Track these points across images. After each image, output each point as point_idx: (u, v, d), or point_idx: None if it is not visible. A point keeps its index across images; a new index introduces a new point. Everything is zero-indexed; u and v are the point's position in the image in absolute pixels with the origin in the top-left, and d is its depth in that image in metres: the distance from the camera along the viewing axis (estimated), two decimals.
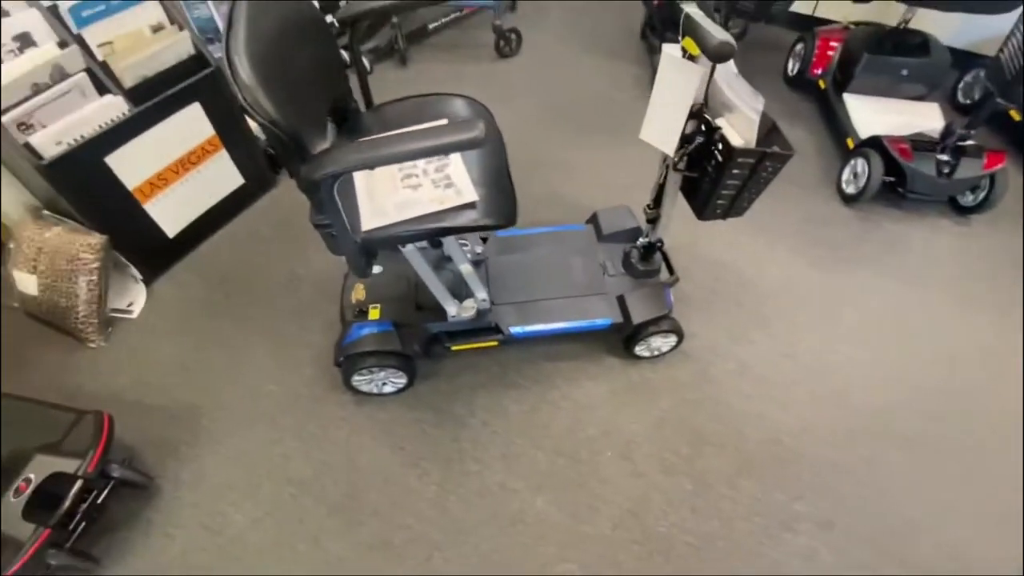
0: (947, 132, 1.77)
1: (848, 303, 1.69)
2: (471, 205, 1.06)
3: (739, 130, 1.10)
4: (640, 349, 1.51)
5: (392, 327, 1.38)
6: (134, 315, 1.68)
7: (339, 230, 0.95)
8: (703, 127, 1.11)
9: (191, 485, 1.35)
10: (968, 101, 2.27)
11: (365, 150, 0.80)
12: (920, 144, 1.84)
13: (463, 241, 1.57)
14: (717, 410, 1.47)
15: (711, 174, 1.18)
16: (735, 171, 1.13)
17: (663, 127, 1.04)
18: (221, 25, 2.02)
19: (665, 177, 1.29)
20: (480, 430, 1.44)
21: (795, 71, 2.46)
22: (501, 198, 1.12)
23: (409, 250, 1.21)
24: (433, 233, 1.04)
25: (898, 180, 1.86)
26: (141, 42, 1.53)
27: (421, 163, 1.14)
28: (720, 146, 1.11)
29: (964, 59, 2.23)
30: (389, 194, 1.09)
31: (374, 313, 1.45)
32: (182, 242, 1.79)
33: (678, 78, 0.96)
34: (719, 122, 1.10)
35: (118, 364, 1.57)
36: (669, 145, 1.07)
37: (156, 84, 1.55)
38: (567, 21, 2.87)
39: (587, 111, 2.34)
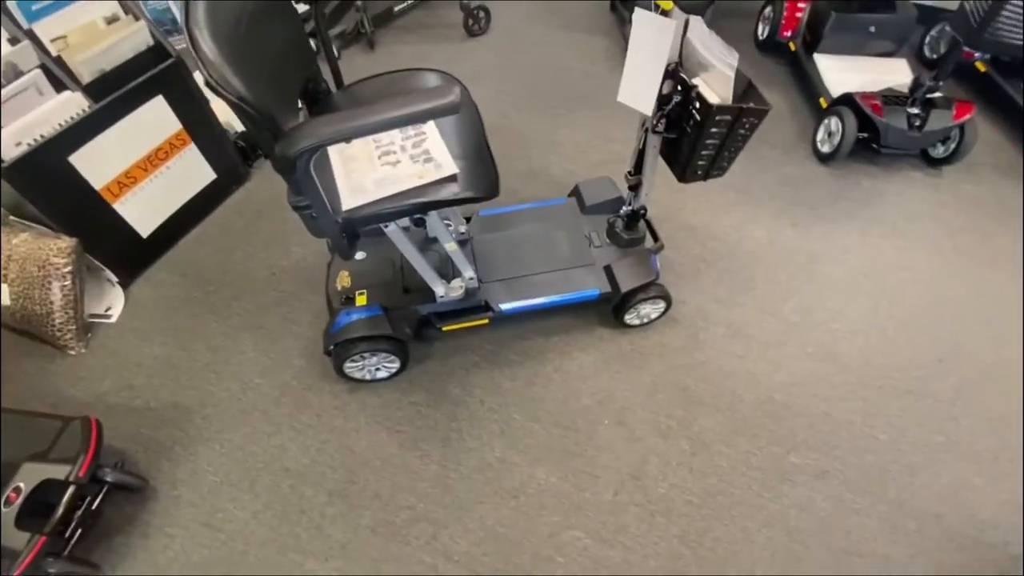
0: (916, 85, 1.80)
1: (830, 260, 1.72)
2: (452, 178, 1.05)
3: (715, 88, 1.10)
4: (630, 317, 1.52)
5: (381, 311, 1.37)
6: (113, 319, 1.64)
7: (319, 210, 0.93)
8: (679, 87, 1.11)
9: (188, 484, 1.33)
10: (935, 55, 2.30)
11: (340, 121, 0.78)
12: (891, 99, 1.86)
13: (446, 220, 1.56)
14: (709, 372, 1.49)
15: (690, 134, 1.18)
16: (714, 129, 1.13)
17: (640, 87, 1.03)
18: (179, 16, 1.97)
19: (645, 142, 1.29)
20: (477, 408, 1.44)
21: (765, 35, 2.46)
22: (481, 170, 1.11)
23: (392, 230, 1.19)
24: (415, 209, 1.03)
25: (871, 136, 1.88)
26: (96, 35, 1.48)
27: (398, 139, 1.12)
28: (698, 105, 1.11)
29: (929, 14, 2.26)
30: (367, 172, 1.07)
31: (361, 299, 1.43)
32: (157, 242, 1.75)
33: (652, 36, 0.95)
34: (695, 81, 1.10)
35: (100, 369, 1.54)
36: (647, 105, 1.06)
37: (116, 78, 1.49)
38: None
39: (562, 86, 2.32)
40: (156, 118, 1.61)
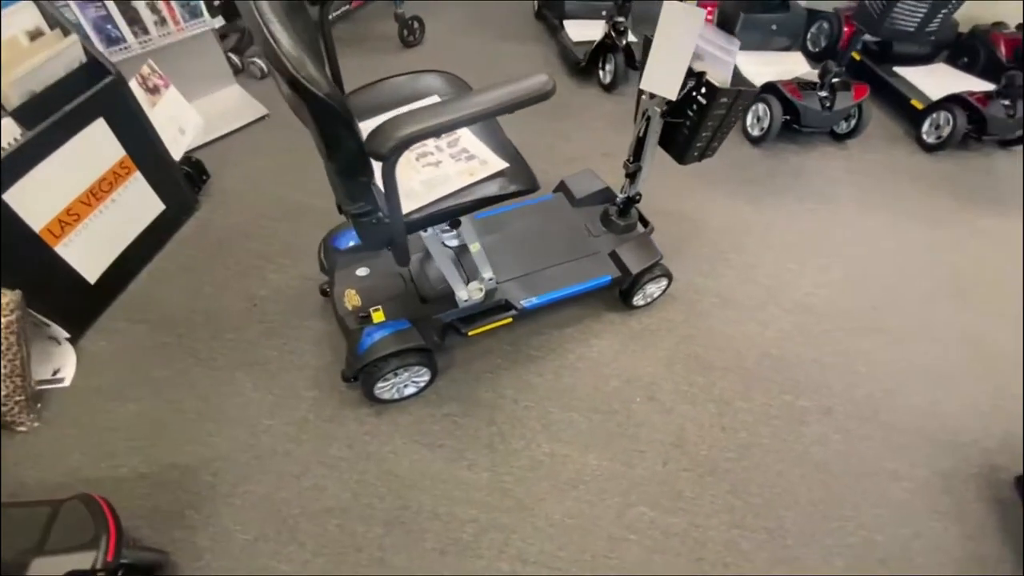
0: (824, 71, 2.10)
1: (782, 228, 1.94)
2: (501, 173, 1.04)
3: (713, 75, 1.21)
4: (637, 298, 1.60)
5: (409, 324, 1.31)
6: (66, 382, 1.39)
7: (393, 213, 0.88)
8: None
9: (214, 550, 1.17)
10: (816, 48, 2.69)
11: (431, 116, 0.76)
12: (804, 85, 2.15)
13: (445, 228, 1.53)
14: (713, 339, 1.61)
15: (693, 118, 1.29)
16: (716, 111, 1.24)
17: (666, 73, 1.11)
18: (124, 29, 1.74)
19: (646, 130, 1.37)
20: (512, 408, 1.42)
21: None
22: (518, 165, 1.12)
23: (430, 235, 1.16)
24: (474, 206, 1.01)
25: (792, 118, 2.16)
26: (20, 53, 1.26)
27: (432, 140, 1.09)
28: (703, 90, 1.21)
29: (810, 15, 2.64)
30: (411, 175, 1.03)
31: (378, 316, 1.36)
32: (106, 286, 1.52)
33: (681, 25, 1.03)
34: (700, 67, 1.20)
35: (64, 442, 1.30)
36: (672, 90, 1.14)
37: (49, 101, 1.29)
38: (463, 6, 2.87)
39: None
40: (98, 144, 1.41)
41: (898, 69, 2.43)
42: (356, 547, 1.19)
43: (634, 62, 2.34)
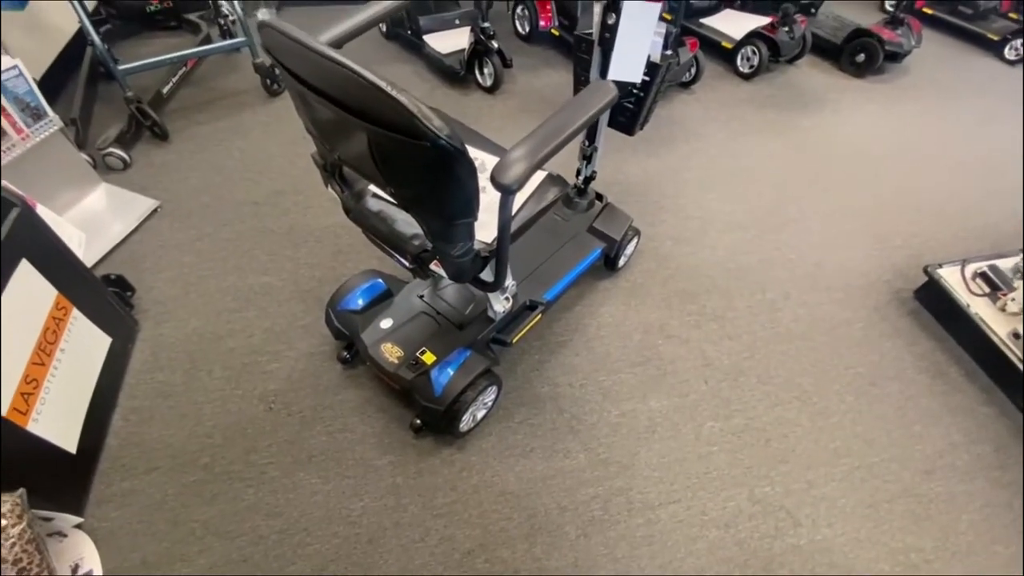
0: (667, 34, 2.48)
1: (684, 168, 2.29)
2: (543, 183, 1.14)
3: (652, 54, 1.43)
4: (621, 261, 1.80)
5: (469, 351, 1.34)
6: (97, 572, 1.16)
7: (502, 240, 0.93)
8: None
9: None
10: None
11: (543, 142, 0.83)
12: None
13: None
14: (685, 272, 1.88)
15: (638, 94, 1.50)
16: (659, 81, 1.47)
17: (631, 61, 1.28)
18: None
19: None
20: (569, 390, 1.53)
21: (527, 30, 2.96)
22: (547, 174, 1.21)
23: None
24: (535, 219, 1.09)
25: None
26: None
27: None
28: (645, 68, 1.42)
29: None
30: None
31: (428, 358, 1.36)
32: (87, 451, 1.27)
33: (640, 19, 1.21)
34: None
35: None
36: (637, 73, 1.33)
37: None
38: None
39: None
40: (30, 291, 1.17)
41: (703, 20, 2.96)
42: (514, 570, 1.22)
43: (508, 62, 2.52)
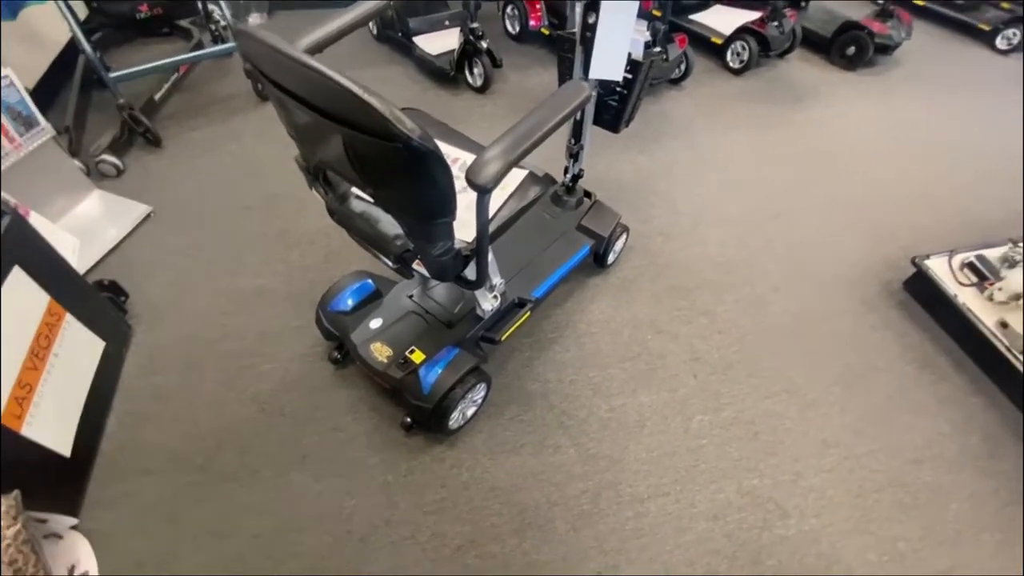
0: (655, 31, 2.49)
1: (674, 164, 2.30)
2: (524, 181, 1.15)
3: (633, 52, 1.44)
4: (610, 257, 1.81)
5: (457, 348, 1.35)
6: (93, 574, 1.17)
7: (481, 239, 0.94)
8: None
9: None
10: None
11: (517, 142, 0.84)
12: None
13: None
14: (675, 268, 1.89)
15: (621, 92, 1.51)
16: (642, 79, 1.48)
17: (611, 60, 1.29)
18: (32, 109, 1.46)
19: (582, 114, 1.57)
20: (559, 386, 1.55)
21: (517, 30, 2.97)
22: (529, 171, 1.23)
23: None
24: (518, 216, 1.10)
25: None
26: None
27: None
28: (628, 66, 1.44)
29: None
30: None
31: (416, 356, 1.37)
32: (81, 455, 1.29)
33: (618, 16, 1.22)
34: None
35: None
36: (618, 71, 1.34)
37: None
38: None
39: None
40: (23, 297, 1.19)
41: (692, 16, 2.97)
42: (504, 565, 1.23)
43: (498, 62, 2.53)
